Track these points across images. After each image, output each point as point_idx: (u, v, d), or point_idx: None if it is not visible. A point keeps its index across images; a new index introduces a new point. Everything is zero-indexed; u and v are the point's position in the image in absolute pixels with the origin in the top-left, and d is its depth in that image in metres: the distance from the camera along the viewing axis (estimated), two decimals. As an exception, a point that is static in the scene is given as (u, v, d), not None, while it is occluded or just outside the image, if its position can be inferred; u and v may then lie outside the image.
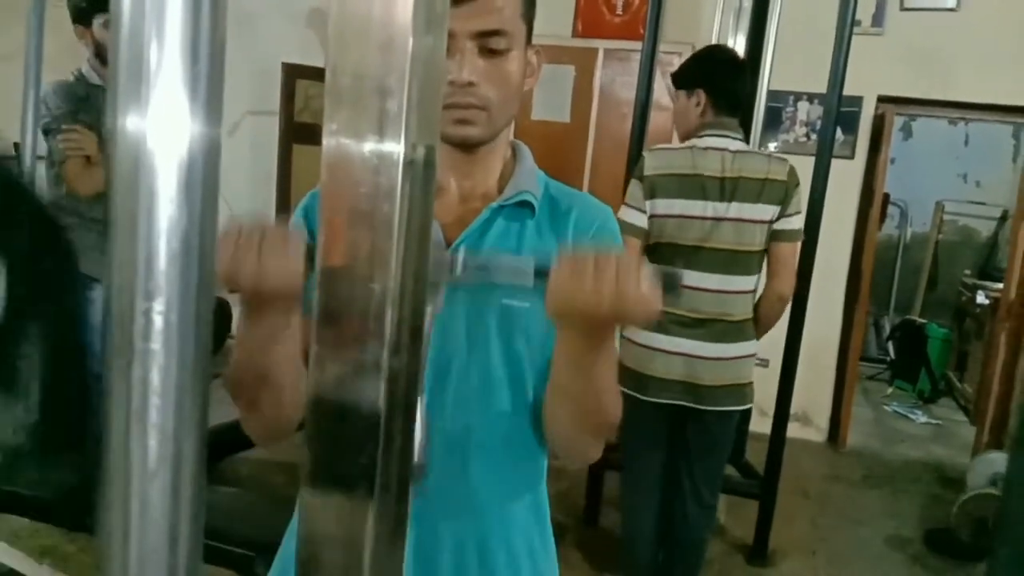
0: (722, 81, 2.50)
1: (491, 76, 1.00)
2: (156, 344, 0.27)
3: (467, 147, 1.04)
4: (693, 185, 2.40)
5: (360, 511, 0.44)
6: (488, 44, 0.98)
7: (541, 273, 0.85)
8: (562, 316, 0.87)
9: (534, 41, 1.07)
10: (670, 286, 0.84)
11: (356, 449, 0.44)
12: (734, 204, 2.39)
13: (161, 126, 0.26)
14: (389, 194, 0.43)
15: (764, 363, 3.00)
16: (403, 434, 0.48)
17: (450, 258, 0.89)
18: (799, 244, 2.52)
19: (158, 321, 0.27)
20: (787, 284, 2.48)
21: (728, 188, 2.39)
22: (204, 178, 0.27)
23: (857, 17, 3.25)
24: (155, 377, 0.27)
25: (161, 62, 0.25)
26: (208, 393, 0.29)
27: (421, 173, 0.45)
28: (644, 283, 0.81)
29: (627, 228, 2.40)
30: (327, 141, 0.43)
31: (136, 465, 0.28)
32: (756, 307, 2.53)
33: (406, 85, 0.42)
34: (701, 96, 2.48)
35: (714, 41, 3.86)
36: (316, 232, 1.12)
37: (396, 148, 0.42)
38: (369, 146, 0.42)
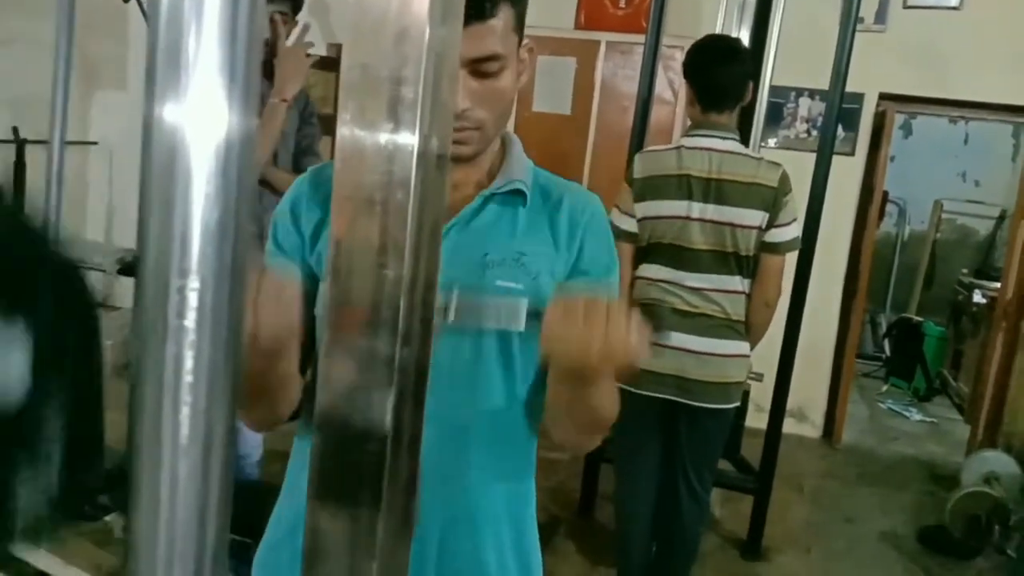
0: (706, 74, 2.42)
1: (485, 98, 1.00)
2: (190, 322, 0.27)
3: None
4: (680, 185, 2.39)
5: (369, 500, 0.45)
6: (482, 68, 0.98)
7: (534, 315, 0.88)
8: (553, 360, 0.91)
9: (536, 33, 1.07)
10: (657, 327, 0.89)
11: (366, 436, 0.45)
12: (717, 206, 2.37)
13: (199, 111, 0.26)
14: (403, 183, 0.43)
15: (758, 377, 2.99)
16: (414, 420, 0.49)
17: (443, 302, 0.89)
18: (788, 255, 2.49)
19: (192, 299, 0.27)
20: (772, 292, 2.47)
21: (713, 189, 2.37)
22: (240, 158, 0.27)
23: (860, 14, 3.25)
24: (188, 355, 0.28)
25: (200, 48, 0.25)
26: (240, 371, 0.29)
27: (435, 162, 0.46)
28: (632, 331, 0.86)
29: (618, 233, 2.41)
30: (341, 130, 0.43)
31: (167, 442, 0.28)
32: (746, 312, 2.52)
33: (421, 76, 0.42)
34: (690, 89, 2.46)
35: (717, 35, 3.85)
36: (303, 222, 1.12)
37: (410, 138, 0.43)
38: (383, 136, 0.43)
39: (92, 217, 5.53)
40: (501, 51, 0.98)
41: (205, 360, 0.28)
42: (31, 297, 0.50)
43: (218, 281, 0.28)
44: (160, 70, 0.25)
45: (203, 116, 0.26)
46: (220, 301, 0.28)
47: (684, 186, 2.38)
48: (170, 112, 0.26)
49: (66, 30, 2.09)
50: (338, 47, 5.14)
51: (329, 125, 4.93)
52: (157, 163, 0.27)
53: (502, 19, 0.98)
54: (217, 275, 0.28)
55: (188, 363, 0.28)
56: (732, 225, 2.37)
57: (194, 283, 0.27)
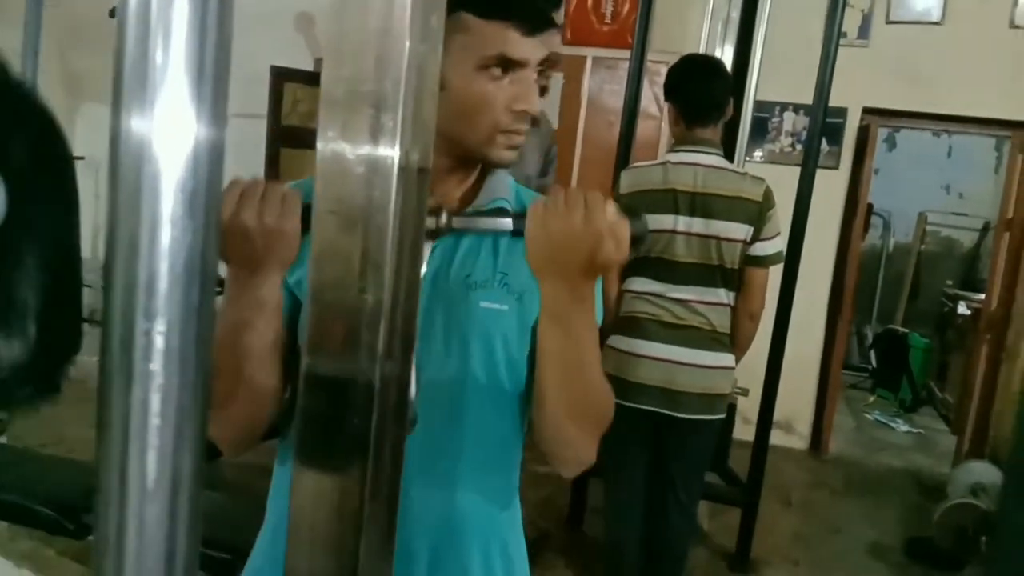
0: (689, 91, 2.48)
1: (538, 95, 1.02)
2: (156, 365, 0.27)
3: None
4: (665, 199, 2.42)
5: (351, 522, 0.44)
6: (544, 70, 1.01)
7: (520, 219, 0.90)
8: (542, 258, 0.90)
9: None
10: (638, 227, 0.91)
11: (347, 461, 0.44)
12: (703, 219, 2.40)
13: (165, 140, 0.26)
14: (383, 204, 0.43)
15: (744, 392, 3.00)
16: (395, 443, 0.48)
17: (434, 217, 0.91)
18: (772, 268, 2.52)
19: (159, 342, 0.27)
20: (757, 305, 2.51)
21: (698, 203, 2.40)
22: (207, 196, 0.27)
23: (843, 29, 3.28)
24: (155, 399, 0.27)
25: (166, 72, 0.25)
26: (207, 414, 0.29)
27: (415, 181, 0.45)
28: (612, 212, 0.88)
29: None
30: (322, 149, 0.43)
31: (134, 486, 0.28)
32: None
33: (401, 94, 0.42)
34: (673, 107, 2.51)
35: (701, 51, 3.87)
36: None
37: (391, 155, 0.42)
38: (364, 155, 0.42)
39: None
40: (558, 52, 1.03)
41: (172, 404, 0.28)
42: (3, 143, 0.48)
43: (185, 323, 0.27)
44: (125, 93, 0.25)
45: (169, 147, 0.26)
46: (187, 344, 0.28)
47: (670, 200, 2.41)
48: (135, 140, 0.26)
49: (33, 41, 2.07)
50: (325, 61, 5.14)
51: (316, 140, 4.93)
52: (122, 204, 0.26)
53: (559, 28, 1.03)
54: (184, 317, 0.27)
55: (155, 406, 0.27)
56: (717, 238, 2.40)
57: (160, 326, 0.27)
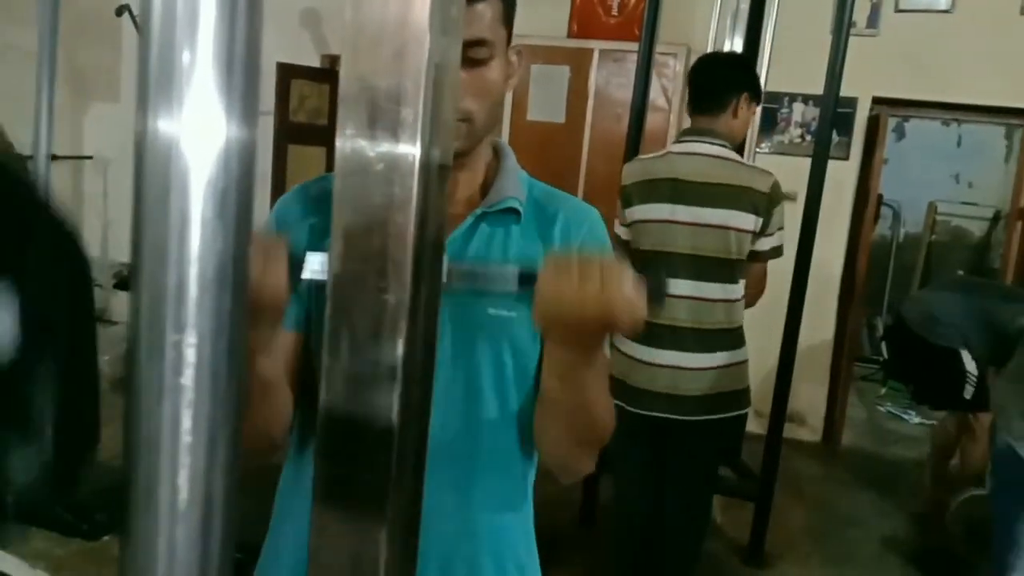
0: (693, 77, 2.50)
1: (473, 87, 0.97)
2: (187, 379, 0.26)
3: None
4: (666, 189, 2.38)
5: (373, 524, 0.43)
6: (469, 54, 0.95)
7: (527, 279, 0.83)
8: (549, 323, 0.86)
9: (529, 41, 1.06)
10: (656, 293, 0.83)
11: (369, 462, 0.43)
12: (707, 209, 2.35)
13: (193, 139, 0.24)
14: (404, 202, 0.42)
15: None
16: (417, 445, 0.47)
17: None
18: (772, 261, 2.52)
19: (189, 354, 0.25)
20: (754, 295, 2.52)
21: (704, 193, 2.35)
22: (239, 197, 0.25)
23: (852, 18, 3.25)
24: (186, 414, 0.26)
25: (193, 72, 0.24)
26: (241, 430, 0.27)
27: (436, 177, 0.44)
28: (629, 286, 0.81)
29: (618, 243, 2.49)
30: (341, 146, 0.42)
31: (164, 507, 0.26)
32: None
33: (422, 88, 0.41)
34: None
35: (710, 43, 3.86)
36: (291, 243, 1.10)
37: (411, 152, 0.41)
38: (383, 152, 0.41)
39: (88, 231, 5.50)
40: (489, 37, 0.96)
41: (204, 419, 0.26)
42: (19, 256, 0.47)
43: (216, 334, 0.26)
44: (151, 96, 0.24)
45: (198, 152, 0.24)
46: (219, 356, 0.26)
47: (673, 190, 2.37)
48: (162, 145, 0.24)
49: (49, 43, 2.06)
50: (331, 58, 5.13)
51: (323, 136, 4.93)
52: (149, 208, 0.25)
53: (491, 6, 0.96)
54: (215, 328, 0.26)
55: (186, 423, 0.26)
56: (726, 228, 2.35)
57: (191, 338, 0.25)
